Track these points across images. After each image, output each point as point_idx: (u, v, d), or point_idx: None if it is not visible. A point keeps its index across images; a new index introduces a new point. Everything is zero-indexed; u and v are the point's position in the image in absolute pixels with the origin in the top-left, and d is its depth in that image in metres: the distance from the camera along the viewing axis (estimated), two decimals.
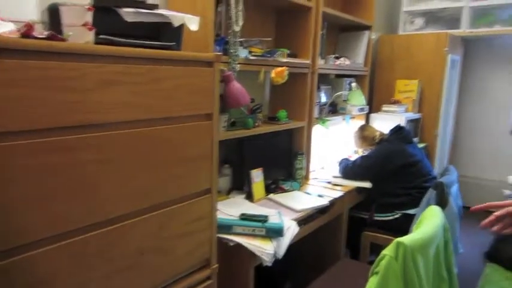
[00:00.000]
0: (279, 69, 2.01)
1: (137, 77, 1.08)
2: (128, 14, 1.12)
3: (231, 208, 1.83)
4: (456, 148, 4.25)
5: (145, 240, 1.17)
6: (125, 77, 1.05)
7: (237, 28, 1.74)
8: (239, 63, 1.80)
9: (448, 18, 3.68)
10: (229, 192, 2.11)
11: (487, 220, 1.04)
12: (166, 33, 1.27)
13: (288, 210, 1.98)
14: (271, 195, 2.16)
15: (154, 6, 1.24)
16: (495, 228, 1.02)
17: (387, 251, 1.49)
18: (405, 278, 1.46)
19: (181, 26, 1.31)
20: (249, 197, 2.08)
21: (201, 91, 1.30)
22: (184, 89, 1.23)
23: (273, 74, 2.02)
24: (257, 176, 2.11)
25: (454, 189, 2.44)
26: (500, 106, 4.01)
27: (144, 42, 1.17)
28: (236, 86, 1.75)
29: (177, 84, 1.20)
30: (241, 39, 1.85)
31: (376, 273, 1.47)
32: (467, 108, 4.19)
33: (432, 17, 3.75)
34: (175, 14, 1.27)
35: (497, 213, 1.02)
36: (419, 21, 3.80)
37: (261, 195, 2.12)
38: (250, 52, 1.91)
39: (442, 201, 2.23)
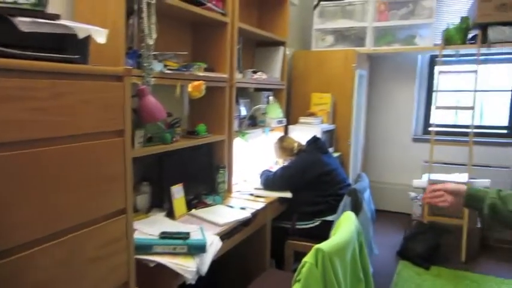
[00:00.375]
0: (196, 83, 2.00)
1: (37, 92, 0.99)
2: (23, 23, 1.03)
3: (150, 227, 1.75)
4: (367, 156, 4.58)
5: (53, 269, 1.07)
6: (22, 92, 0.96)
7: (150, 41, 1.70)
8: (154, 77, 1.75)
9: (354, 36, 3.98)
10: (148, 210, 2.03)
11: (427, 195, 1.31)
12: (70, 46, 1.19)
13: (211, 225, 1.95)
14: (193, 211, 2.12)
15: (55, 17, 1.15)
16: (433, 200, 1.29)
17: (307, 258, 1.53)
18: (325, 282, 1.51)
19: (88, 38, 1.24)
20: (170, 214, 2.01)
21: (111, 106, 1.23)
22: (92, 104, 1.16)
23: (190, 88, 2.00)
24: (178, 191, 2.05)
25: (367, 194, 2.60)
26: (404, 116, 4.42)
27: (42, 54, 1.08)
28: (151, 100, 1.70)
29: (83, 99, 1.13)
30: (156, 53, 1.81)
31: (299, 280, 1.50)
32: (376, 119, 4.55)
33: (341, 35, 4.03)
34: (80, 25, 1.20)
35: (436, 186, 1.30)
36: (329, 39, 4.05)
37: (182, 211, 2.07)
38: (165, 66, 1.88)
39: (356, 207, 2.37)
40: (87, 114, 1.15)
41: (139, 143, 1.80)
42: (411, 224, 3.50)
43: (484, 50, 3.36)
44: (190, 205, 2.16)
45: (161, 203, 2.05)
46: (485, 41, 3.32)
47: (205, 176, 2.39)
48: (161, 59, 1.91)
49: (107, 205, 1.24)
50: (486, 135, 3.97)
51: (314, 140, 2.85)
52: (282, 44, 3.11)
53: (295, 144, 2.87)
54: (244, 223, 2.14)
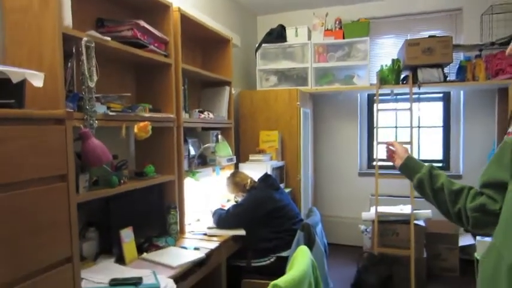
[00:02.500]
0: (142, 124, 1.99)
1: None
2: None
3: (99, 275, 1.66)
4: (317, 191, 4.68)
5: None
6: None
7: (91, 84, 1.69)
8: (97, 120, 1.73)
9: (297, 76, 4.19)
10: (96, 257, 1.92)
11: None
12: (4, 91, 1.16)
13: (164, 268, 1.88)
14: (145, 255, 2.04)
15: None
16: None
17: None
18: None
19: (23, 82, 1.21)
20: (120, 259, 1.92)
21: (53, 151, 1.20)
22: (32, 149, 1.12)
23: (136, 129, 1.98)
24: (127, 235, 1.97)
25: (319, 228, 2.65)
26: (349, 152, 4.59)
27: None
28: (95, 143, 1.67)
29: (21, 145, 1.09)
30: (98, 95, 1.79)
31: None
32: (323, 154, 4.69)
33: (283, 75, 4.22)
34: (14, 69, 1.18)
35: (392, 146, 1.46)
36: (273, 79, 4.23)
37: (133, 256, 1.98)
38: (108, 108, 1.86)
39: (309, 241, 2.40)
40: (27, 159, 1.11)
41: (84, 187, 1.74)
42: (363, 256, 3.56)
43: (415, 89, 3.63)
44: (141, 249, 2.08)
45: (110, 248, 1.96)
46: (415, 81, 3.60)
47: (156, 218, 2.32)
48: (104, 101, 1.89)
49: (51, 254, 1.17)
50: None
51: (265, 177, 2.89)
52: (228, 84, 3.19)
53: (249, 180, 2.89)
54: (198, 264, 2.08)
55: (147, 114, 2.08)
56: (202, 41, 3.19)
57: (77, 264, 1.29)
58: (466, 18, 3.93)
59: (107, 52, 1.95)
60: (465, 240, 3.80)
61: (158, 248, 2.15)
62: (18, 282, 1.06)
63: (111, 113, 1.85)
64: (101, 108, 1.79)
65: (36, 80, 1.21)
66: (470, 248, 3.63)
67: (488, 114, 3.87)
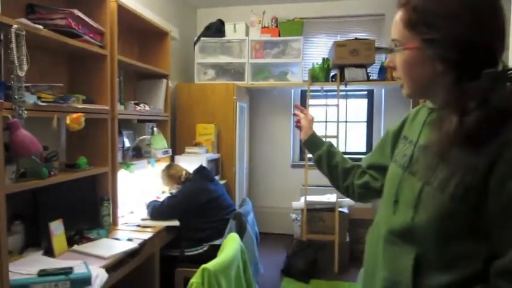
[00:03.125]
0: (75, 115, 1.97)
1: None
2: None
3: (27, 267, 1.64)
4: (252, 183, 4.85)
5: None
6: None
7: (21, 73, 1.65)
8: (27, 110, 1.69)
9: (234, 71, 4.29)
10: (22, 251, 1.88)
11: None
12: None
13: (96, 259, 1.89)
14: (76, 247, 2.03)
15: None
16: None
17: (194, 278, 1.62)
18: None
19: None
20: (49, 252, 1.90)
21: None
22: None
23: (68, 121, 1.96)
24: (57, 228, 1.95)
25: (250, 217, 2.79)
26: (283, 145, 4.82)
27: None
28: (24, 133, 1.64)
29: None
30: (28, 85, 1.75)
31: None
32: (258, 147, 4.87)
33: (221, 70, 4.31)
34: None
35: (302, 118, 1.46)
36: (211, 72, 4.29)
37: (63, 248, 1.97)
38: (39, 98, 1.82)
39: (241, 229, 2.53)
40: None
41: (10, 179, 1.70)
42: (292, 243, 3.80)
43: (342, 87, 3.94)
44: (72, 241, 2.06)
45: (38, 241, 1.92)
46: (343, 79, 3.90)
47: (88, 210, 2.31)
48: (34, 90, 1.84)
49: None
50: None
51: (200, 169, 2.97)
52: (165, 76, 3.21)
53: (183, 172, 2.95)
54: (131, 254, 2.12)
55: (80, 106, 2.06)
56: (139, 33, 3.16)
57: (5, 256, 1.28)
58: (388, 23, 4.29)
59: (38, 40, 1.89)
60: None
61: (90, 240, 2.15)
62: None
63: (41, 103, 1.81)
64: (30, 98, 1.75)
65: None
66: None
67: (405, 110, 4.27)
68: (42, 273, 1.54)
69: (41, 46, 2.06)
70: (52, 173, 1.94)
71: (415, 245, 0.83)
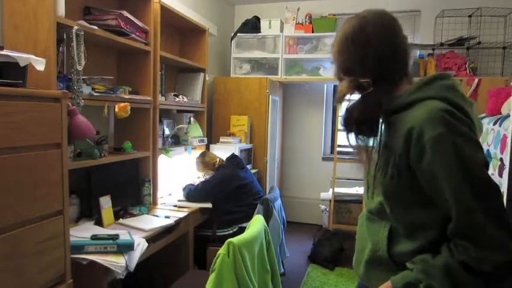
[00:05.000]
0: (123, 104, 2.25)
1: None
2: None
3: (81, 232, 1.93)
4: (283, 173, 5.04)
5: None
6: None
7: (79, 67, 1.93)
8: (83, 99, 1.97)
9: (268, 66, 4.48)
10: (77, 220, 2.18)
11: None
12: (13, 73, 1.40)
13: (138, 231, 2.16)
14: (121, 220, 2.31)
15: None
16: None
17: (221, 250, 1.84)
18: (236, 269, 1.82)
19: (27, 66, 1.46)
20: (99, 223, 2.18)
21: (50, 123, 1.46)
22: (33, 121, 1.38)
23: (117, 109, 2.24)
24: (105, 202, 2.24)
25: (278, 203, 2.99)
26: (314, 138, 4.97)
27: None
28: (81, 119, 1.91)
29: (26, 117, 1.35)
30: (84, 77, 2.03)
31: (214, 270, 1.79)
32: (290, 140, 5.04)
33: (256, 64, 4.50)
34: (21, 55, 1.42)
35: None
36: (246, 67, 4.50)
37: (110, 220, 2.25)
38: (93, 89, 2.10)
39: (267, 213, 2.73)
40: (30, 129, 1.36)
41: (69, 158, 1.98)
42: (319, 232, 3.96)
43: None
44: (117, 215, 2.34)
45: (90, 213, 2.22)
46: None
47: (131, 189, 2.59)
48: (89, 82, 2.13)
49: (46, 206, 1.44)
50: None
51: (232, 157, 3.19)
52: (202, 70, 3.45)
53: (217, 160, 3.19)
54: (168, 230, 2.38)
55: (126, 96, 2.33)
56: (180, 30, 3.42)
57: (67, 216, 1.56)
58: (423, 19, 4.31)
59: (92, 39, 2.17)
60: None
61: (133, 215, 2.43)
62: (19, 226, 1.33)
63: (95, 94, 2.10)
64: (86, 89, 2.04)
65: (39, 64, 1.46)
66: None
67: None
68: (94, 237, 1.82)
69: (95, 43, 2.35)
70: (102, 154, 2.23)
71: (386, 219, 1.03)
